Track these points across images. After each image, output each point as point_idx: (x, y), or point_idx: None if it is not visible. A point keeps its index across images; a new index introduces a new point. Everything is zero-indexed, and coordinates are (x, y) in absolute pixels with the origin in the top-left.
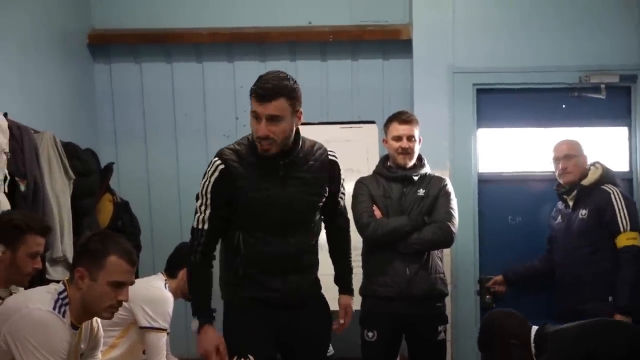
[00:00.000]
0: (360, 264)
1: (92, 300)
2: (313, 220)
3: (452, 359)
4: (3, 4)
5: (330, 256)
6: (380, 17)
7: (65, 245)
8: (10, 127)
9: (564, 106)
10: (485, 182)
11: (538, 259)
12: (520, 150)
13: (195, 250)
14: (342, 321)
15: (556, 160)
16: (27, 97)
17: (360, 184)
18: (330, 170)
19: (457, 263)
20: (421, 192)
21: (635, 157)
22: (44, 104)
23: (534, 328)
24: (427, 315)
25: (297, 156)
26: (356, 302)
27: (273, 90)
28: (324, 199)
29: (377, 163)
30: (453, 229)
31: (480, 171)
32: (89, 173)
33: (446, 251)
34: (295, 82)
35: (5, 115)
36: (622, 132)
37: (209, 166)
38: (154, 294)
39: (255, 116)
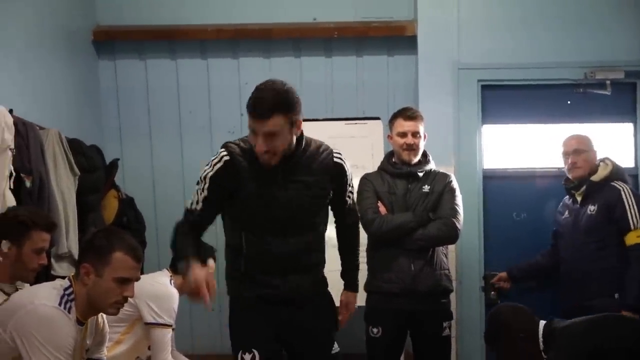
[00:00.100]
0: (366, 260)
1: (97, 296)
2: (315, 220)
3: (457, 355)
4: (8, 1)
5: (339, 252)
6: (385, 14)
7: (70, 242)
8: (15, 124)
9: (569, 102)
10: (490, 179)
11: (541, 254)
12: (525, 147)
13: (184, 223)
14: (340, 317)
15: (565, 155)
16: (32, 93)
17: (365, 180)
18: (334, 172)
19: (462, 259)
20: (426, 188)
21: None
22: (49, 100)
23: (542, 323)
24: (432, 312)
25: (300, 158)
26: (361, 298)
27: (268, 109)
28: (327, 200)
29: (382, 159)
30: (458, 225)
31: (485, 167)
32: (94, 169)
33: (451, 247)
34: (292, 92)
35: (10, 111)
36: (627, 128)
37: (214, 156)
38: (159, 290)
39: (253, 132)
